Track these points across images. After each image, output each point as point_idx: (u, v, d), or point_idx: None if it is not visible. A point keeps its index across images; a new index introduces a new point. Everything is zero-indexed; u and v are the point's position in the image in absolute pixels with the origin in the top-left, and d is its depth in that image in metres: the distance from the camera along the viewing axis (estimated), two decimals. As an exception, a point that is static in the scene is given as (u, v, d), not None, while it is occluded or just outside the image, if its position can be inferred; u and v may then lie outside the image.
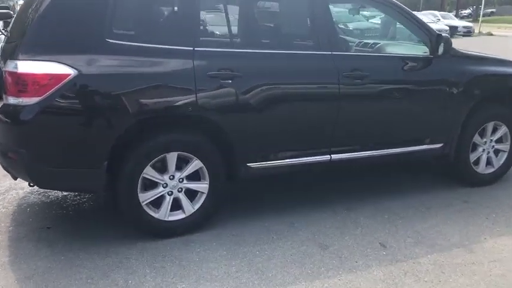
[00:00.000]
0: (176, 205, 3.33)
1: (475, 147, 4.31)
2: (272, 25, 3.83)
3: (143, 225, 3.27)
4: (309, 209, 3.81)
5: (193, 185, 3.34)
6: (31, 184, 3.32)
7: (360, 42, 4.56)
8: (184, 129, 3.26)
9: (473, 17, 48.51)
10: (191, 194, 3.38)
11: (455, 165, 4.27)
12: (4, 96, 2.96)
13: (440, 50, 3.84)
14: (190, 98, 3.12)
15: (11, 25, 3.69)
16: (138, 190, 3.16)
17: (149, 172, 3.17)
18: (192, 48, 3.17)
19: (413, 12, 4.11)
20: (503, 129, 4.35)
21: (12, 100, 2.89)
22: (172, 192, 3.28)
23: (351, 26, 8.69)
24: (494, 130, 4.35)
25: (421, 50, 4.03)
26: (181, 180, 3.28)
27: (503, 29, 36.13)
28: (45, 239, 3.30)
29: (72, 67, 2.87)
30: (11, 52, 2.95)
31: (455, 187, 4.33)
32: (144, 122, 3.08)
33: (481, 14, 38.11)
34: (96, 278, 2.85)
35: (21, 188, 4.16)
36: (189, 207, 3.35)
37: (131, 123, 3.02)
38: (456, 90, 3.97)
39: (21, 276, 2.87)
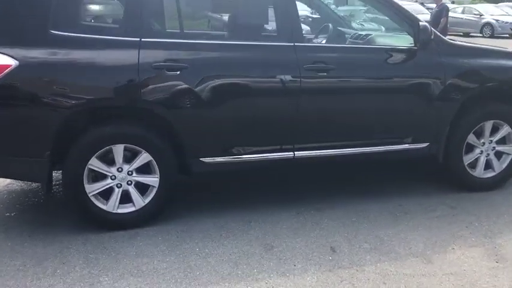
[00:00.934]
0: (127, 198, 3.32)
1: (471, 148, 3.92)
2: (227, 15, 3.69)
3: (91, 216, 3.28)
4: (273, 208, 3.65)
5: (142, 178, 3.30)
6: None
7: (342, 33, 4.31)
8: (129, 121, 3.23)
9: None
10: (144, 188, 3.35)
11: (445, 167, 3.91)
12: None
13: (420, 40, 3.52)
14: (133, 90, 3.09)
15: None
16: (85, 181, 3.17)
17: (95, 163, 3.17)
18: (138, 39, 3.13)
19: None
20: (505, 129, 3.91)
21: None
22: (121, 184, 3.27)
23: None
24: (495, 130, 3.93)
25: (407, 41, 3.73)
26: (130, 173, 3.26)
27: None
28: (5, 225, 3.41)
29: (14, 58, 2.93)
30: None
31: (448, 191, 3.97)
32: (85, 114, 3.09)
33: None
34: (28, 265, 2.90)
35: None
36: (140, 201, 3.31)
37: (71, 114, 3.03)
38: (442, 85, 3.63)
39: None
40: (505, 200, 3.84)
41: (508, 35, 21.22)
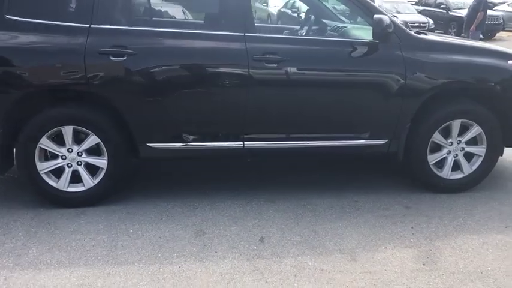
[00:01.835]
0: (79, 178, 3.47)
1: (438, 147, 3.78)
2: (177, 3, 3.73)
3: (42, 193, 3.46)
4: (225, 197, 3.69)
5: (91, 160, 3.44)
6: None
7: (324, 25, 4.24)
8: (77, 104, 3.37)
9: None
10: (96, 169, 3.49)
11: (406, 165, 3.79)
12: None
13: (376, 33, 3.42)
14: (79, 74, 3.22)
15: None
16: (36, 159, 3.35)
17: (45, 143, 3.34)
18: (88, 26, 3.25)
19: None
20: (475, 130, 3.73)
21: None
22: (71, 164, 3.42)
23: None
24: (466, 130, 3.76)
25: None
26: (79, 154, 3.41)
27: None
28: (-29, 197, 3.67)
29: (-33, 41, 3.13)
30: None
31: (412, 192, 3.84)
32: (36, 96, 3.26)
33: None
34: (-28, 234, 3.12)
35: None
36: (89, 181, 3.46)
37: (21, 96, 3.21)
38: (403, 80, 3.50)
39: None
40: (467, 204, 3.66)
41: None
